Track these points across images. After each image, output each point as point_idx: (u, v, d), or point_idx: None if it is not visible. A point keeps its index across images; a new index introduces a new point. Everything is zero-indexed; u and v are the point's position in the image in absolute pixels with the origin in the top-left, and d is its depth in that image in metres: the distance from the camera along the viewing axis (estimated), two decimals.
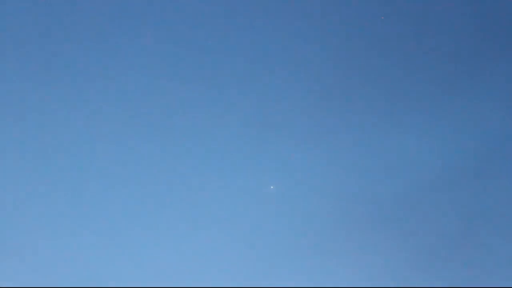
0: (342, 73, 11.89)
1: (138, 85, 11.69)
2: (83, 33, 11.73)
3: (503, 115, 11.73)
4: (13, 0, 11.65)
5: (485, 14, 12.06)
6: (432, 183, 11.44)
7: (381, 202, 11.33)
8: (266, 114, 11.69)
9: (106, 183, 11.24)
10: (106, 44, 11.79)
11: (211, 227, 11.17)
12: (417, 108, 11.77)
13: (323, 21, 12.04)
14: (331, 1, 12.04)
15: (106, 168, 11.29)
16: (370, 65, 11.91)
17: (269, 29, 12.02)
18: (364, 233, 11.21)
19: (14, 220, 10.85)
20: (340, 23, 12.03)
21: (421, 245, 11.15)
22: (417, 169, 11.51)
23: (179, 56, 11.85)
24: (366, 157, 11.53)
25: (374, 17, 12.02)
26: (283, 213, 11.26)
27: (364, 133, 11.63)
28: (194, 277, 10.91)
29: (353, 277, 10.95)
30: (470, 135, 11.67)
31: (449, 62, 11.95)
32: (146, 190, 11.26)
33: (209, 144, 11.54)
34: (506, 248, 11.07)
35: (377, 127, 11.66)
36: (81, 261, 10.77)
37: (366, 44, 11.98)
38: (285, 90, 11.79)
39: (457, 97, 11.80)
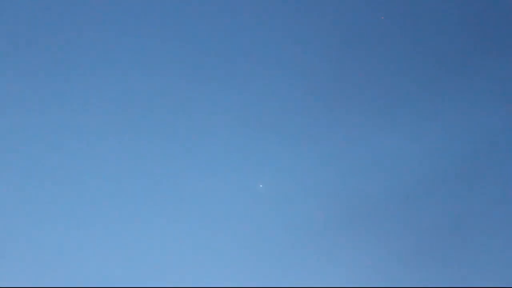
0: (334, 73, 11.89)
1: (133, 85, 11.67)
2: (83, 33, 11.71)
3: (493, 116, 11.82)
4: (13, 0, 11.60)
5: (477, 16, 12.13)
6: (423, 183, 11.51)
7: (371, 202, 11.37)
8: (256, 113, 11.68)
9: (102, 180, 11.24)
10: (104, 43, 11.77)
11: (201, 225, 11.18)
12: (408, 108, 11.77)
13: (316, 22, 12.04)
14: (324, 1, 12.07)
15: (102, 165, 11.28)
16: (362, 66, 11.89)
17: (262, 29, 12.03)
18: (354, 233, 11.25)
19: (14, 220, 10.84)
20: (331, 24, 12.03)
21: (412, 245, 11.21)
22: (408, 169, 11.53)
23: (174, 55, 11.84)
24: (357, 156, 11.57)
25: (366, 19, 12.05)
26: (272, 211, 11.28)
27: (355, 132, 11.66)
28: (184, 276, 10.93)
29: (343, 277, 10.98)
30: (460, 136, 11.72)
31: (439, 63, 11.98)
32: (138, 189, 11.26)
33: (200, 143, 11.50)
34: (496, 248, 11.18)
35: (368, 127, 11.70)
36: (81, 261, 10.76)
37: (358, 45, 11.98)
38: (276, 90, 11.79)
39: (447, 98, 11.84)
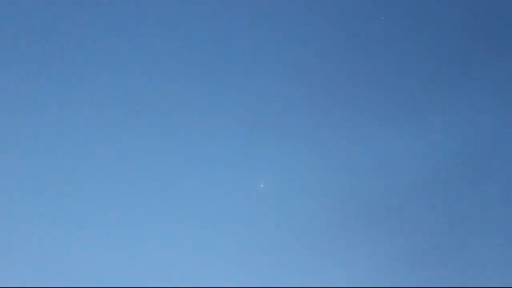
0: (335, 73, 11.87)
1: (131, 84, 11.67)
2: (83, 33, 11.70)
3: (494, 115, 11.81)
4: (13, 0, 11.59)
5: (477, 15, 12.10)
6: (423, 182, 11.53)
7: (372, 201, 11.37)
8: (257, 113, 11.68)
9: (99, 177, 11.24)
10: (104, 43, 11.76)
11: (201, 223, 11.21)
12: (410, 108, 11.73)
13: (318, 22, 12.00)
14: (326, 1, 12.04)
15: (100, 162, 11.28)
16: (364, 66, 11.86)
17: (264, 30, 12.00)
18: (354, 231, 11.25)
19: (14, 220, 10.85)
20: (333, 25, 11.99)
21: (412, 243, 11.22)
22: (410, 168, 11.53)
23: (176, 55, 11.82)
24: (358, 156, 11.58)
25: (367, 19, 12.01)
26: (273, 210, 11.31)
27: (356, 132, 11.66)
28: (185, 274, 10.96)
29: (343, 275, 11.00)
30: (461, 135, 11.70)
31: (440, 62, 11.94)
32: (139, 189, 11.27)
33: (200, 142, 11.50)
34: (498, 247, 11.17)
35: (370, 126, 11.69)
36: (81, 261, 10.78)
37: (359, 45, 11.94)
38: (277, 90, 11.79)
39: (448, 97, 11.80)
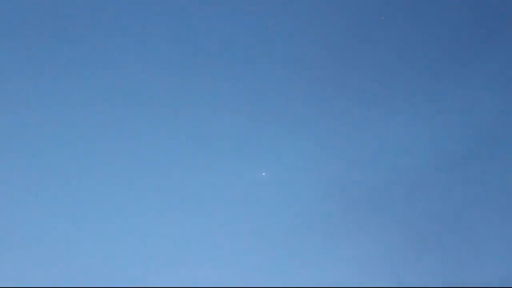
0: (336, 62, 11.88)
1: (132, 80, 11.72)
2: (83, 33, 11.74)
3: (494, 100, 11.72)
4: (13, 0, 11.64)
5: (479, 5, 12.05)
6: (425, 169, 11.45)
7: (373, 189, 11.32)
8: (258, 103, 11.73)
9: (99, 174, 11.27)
10: (105, 43, 11.79)
11: (204, 216, 11.19)
12: (409, 94, 11.78)
13: (313, 14, 12.05)
14: None
15: (100, 160, 11.33)
16: (363, 56, 11.91)
17: (265, 24, 12.05)
18: (356, 220, 11.20)
19: (14, 220, 10.87)
20: (332, 16, 12.04)
21: (414, 232, 11.14)
22: (409, 155, 11.50)
23: (173, 49, 11.88)
24: (359, 143, 11.55)
25: (366, 9, 12.00)
26: (275, 200, 11.28)
27: (357, 120, 11.63)
28: (188, 272, 10.91)
29: (346, 265, 10.94)
30: (461, 121, 11.66)
31: (440, 48, 11.95)
32: (141, 184, 11.29)
33: (201, 133, 11.56)
34: (500, 234, 11.06)
35: (369, 113, 11.66)
36: (81, 261, 10.78)
37: (356, 30, 11.99)
38: (276, 80, 11.80)
39: (448, 82, 11.81)
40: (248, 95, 11.73)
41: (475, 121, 11.65)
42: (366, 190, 11.32)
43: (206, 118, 11.60)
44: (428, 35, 11.96)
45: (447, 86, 11.77)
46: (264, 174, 11.35)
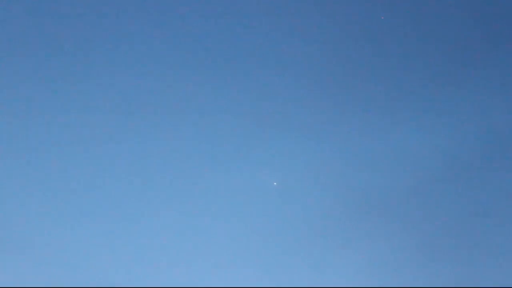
0: (342, 68, 11.96)
1: (141, 83, 11.73)
2: (83, 33, 11.75)
3: (503, 108, 11.76)
4: (14, 0, 11.67)
5: (484, 7, 12.04)
6: (433, 178, 11.47)
7: (382, 197, 11.35)
8: (268, 110, 11.77)
9: (115, 179, 11.29)
10: (106, 43, 11.81)
11: (215, 223, 11.21)
12: (417, 102, 11.82)
13: (322, 19, 12.07)
14: None
15: (115, 164, 11.34)
16: (370, 62, 11.95)
17: (270, 28, 12.05)
18: (365, 227, 11.22)
19: (14, 220, 10.84)
20: (338, 19, 12.07)
21: (422, 239, 11.15)
22: (417, 163, 11.55)
23: (180, 53, 11.89)
24: (369, 152, 11.57)
25: (372, 12, 12.02)
26: (286, 208, 11.29)
27: (366, 128, 11.67)
28: (197, 274, 10.94)
29: (354, 269, 10.95)
30: (470, 129, 11.70)
31: (448, 56, 11.98)
32: (149, 187, 11.30)
33: (212, 141, 11.58)
34: (508, 243, 11.02)
35: (378, 121, 11.71)
36: (80, 261, 10.75)
37: (365, 39, 12.03)
38: (286, 87, 11.86)
39: (457, 90, 11.83)
40: (258, 104, 11.80)
41: (483, 126, 11.68)
42: (374, 195, 11.36)
43: (216, 128, 11.66)
44: (437, 39, 11.99)
45: (456, 91, 11.81)
46: (275, 183, 11.39)
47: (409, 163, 11.46)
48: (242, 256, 11.04)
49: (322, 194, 11.34)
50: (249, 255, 11.05)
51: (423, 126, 11.66)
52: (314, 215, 11.24)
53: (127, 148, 11.37)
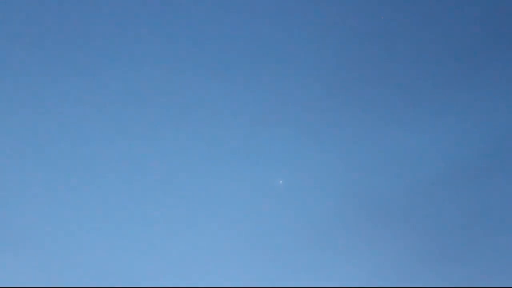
0: (346, 71, 12.10)
1: (148, 83, 11.78)
2: (84, 33, 11.75)
3: (505, 111, 11.82)
4: (14, 0, 11.67)
5: (488, 10, 12.07)
6: (436, 180, 11.53)
7: (386, 199, 11.43)
8: (274, 112, 11.84)
9: (120, 178, 11.31)
10: (109, 42, 11.81)
11: (221, 221, 11.38)
12: (421, 105, 11.87)
13: (326, 21, 12.10)
14: (338, 1, 12.13)
15: (119, 163, 11.37)
16: (374, 63, 12.01)
17: (279, 31, 12.11)
18: (369, 229, 11.34)
19: (14, 220, 10.78)
20: (343, 21, 12.08)
21: (425, 241, 11.24)
22: (421, 166, 11.66)
23: (188, 55, 11.95)
24: (373, 154, 11.73)
25: (374, 15, 12.05)
26: (291, 207, 11.43)
27: (371, 131, 11.81)
28: (203, 273, 11.10)
29: (357, 271, 11.07)
30: (473, 133, 11.77)
31: (452, 59, 12.02)
32: (157, 186, 11.34)
33: (219, 141, 11.64)
34: (511, 244, 10.98)
35: (383, 125, 11.83)
36: (80, 261, 10.69)
37: (368, 42, 12.07)
38: (292, 89, 12.03)
39: (460, 94, 11.89)
40: (265, 105, 11.88)
41: (486, 129, 11.79)
42: (382, 198, 11.44)
43: (222, 127, 11.75)
44: (440, 42, 12.02)
45: (459, 94, 11.88)
46: (281, 181, 11.37)
47: (414, 165, 11.53)
48: (246, 254, 11.10)
49: (327, 193, 11.42)
50: (254, 254, 11.13)
51: (428, 129, 11.78)
52: (319, 214, 11.35)
53: (138, 146, 11.44)
